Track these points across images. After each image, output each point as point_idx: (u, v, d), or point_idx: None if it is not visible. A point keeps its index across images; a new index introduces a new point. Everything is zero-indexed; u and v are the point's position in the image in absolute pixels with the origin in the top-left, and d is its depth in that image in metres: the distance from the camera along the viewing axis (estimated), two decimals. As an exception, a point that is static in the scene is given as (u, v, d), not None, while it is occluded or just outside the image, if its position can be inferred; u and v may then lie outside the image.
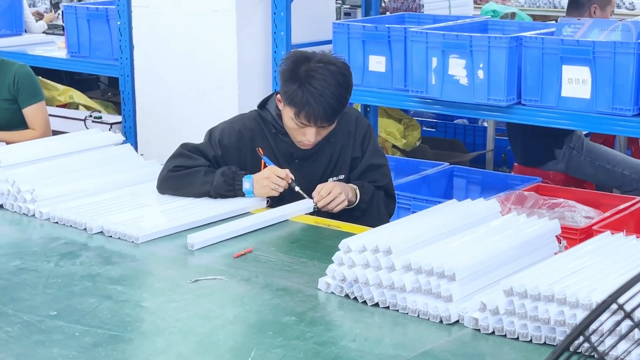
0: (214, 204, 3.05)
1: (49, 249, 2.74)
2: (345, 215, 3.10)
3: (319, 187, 3.07)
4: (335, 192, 3.05)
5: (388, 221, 3.12)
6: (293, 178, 3.09)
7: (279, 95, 3.10)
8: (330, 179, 3.17)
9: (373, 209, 3.18)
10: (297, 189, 3.08)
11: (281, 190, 3.07)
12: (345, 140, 3.20)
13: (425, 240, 2.40)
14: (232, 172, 3.09)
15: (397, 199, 4.32)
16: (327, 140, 3.15)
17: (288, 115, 3.04)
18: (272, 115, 3.15)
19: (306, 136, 3.05)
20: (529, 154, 5.02)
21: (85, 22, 5.70)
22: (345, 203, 3.08)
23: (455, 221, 2.56)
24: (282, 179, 3.06)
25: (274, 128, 3.15)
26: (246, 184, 3.07)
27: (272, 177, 3.06)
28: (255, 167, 3.14)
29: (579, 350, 1.19)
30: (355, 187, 3.15)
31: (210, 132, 3.20)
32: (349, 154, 3.21)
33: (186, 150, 3.17)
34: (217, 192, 3.08)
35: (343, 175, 3.20)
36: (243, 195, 3.08)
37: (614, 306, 1.14)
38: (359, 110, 5.17)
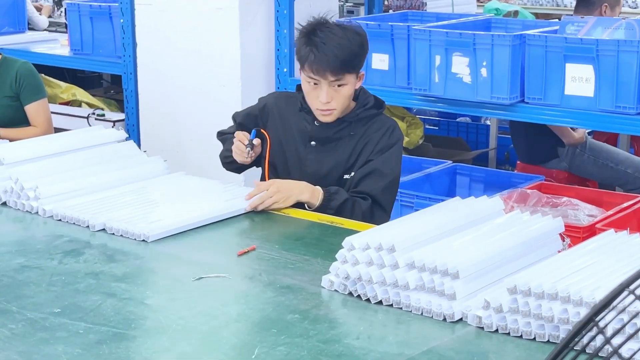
0: (222, 202, 3.05)
1: (52, 246, 2.74)
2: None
3: (257, 184, 3.08)
4: (268, 194, 3.02)
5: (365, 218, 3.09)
6: (249, 139, 3.15)
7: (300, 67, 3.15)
8: (346, 176, 3.14)
9: (344, 214, 3.05)
10: (247, 149, 3.15)
11: (245, 155, 3.15)
12: (369, 143, 3.15)
13: (428, 238, 2.40)
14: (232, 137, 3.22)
15: (400, 197, 4.34)
16: (347, 132, 3.14)
17: (303, 79, 3.10)
18: (302, 94, 3.19)
19: (320, 96, 3.04)
20: (532, 152, 5.02)
21: (88, 19, 5.70)
22: (276, 206, 3.02)
23: (459, 219, 2.56)
24: (239, 141, 3.16)
25: (300, 105, 3.19)
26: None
27: (235, 142, 3.18)
28: (288, 131, 3.22)
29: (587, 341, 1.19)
30: (322, 192, 3.06)
31: (260, 100, 3.38)
32: (366, 156, 3.14)
33: (233, 117, 3.40)
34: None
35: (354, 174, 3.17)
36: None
37: (626, 293, 1.14)
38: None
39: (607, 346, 1.17)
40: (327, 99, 3.05)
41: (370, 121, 3.17)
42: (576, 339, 1.16)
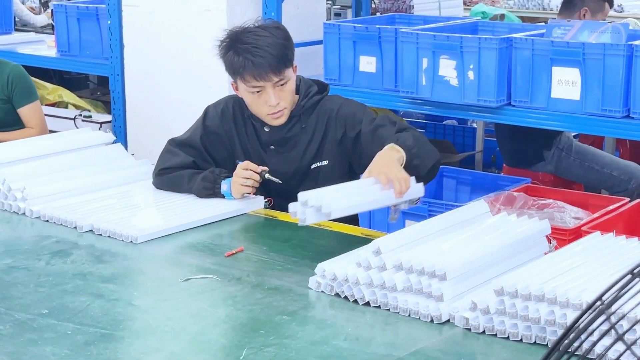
0: (211, 204, 3.05)
1: (40, 247, 2.74)
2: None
3: (377, 177, 2.70)
4: (391, 173, 2.68)
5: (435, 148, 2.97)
6: (261, 168, 3.04)
7: (232, 82, 3.11)
8: (314, 164, 3.11)
9: (423, 149, 2.87)
10: (267, 176, 3.03)
11: (252, 183, 3.02)
12: (327, 125, 3.11)
13: (415, 240, 2.41)
14: (214, 175, 3.08)
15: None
16: (299, 126, 3.11)
17: (243, 91, 3.04)
18: (239, 103, 3.17)
19: (268, 101, 3.00)
20: (518, 156, 5.03)
21: (75, 21, 5.69)
22: (405, 175, 2.71)
23: (445, 221, 2.57)
24: (247, 170, 3.02)
25: (247, 111, 3.15)
26: (224, 187, 3.06)
27: (239, 173, 3.04)
28: (242, 143, 3.15)
29: (569, 350, 1.20)
30: (392, 144, 2.82)
31: (204, 113, 3.24)
32: (332, 137, 3.10)
33: (172, 147, 3.22)
34: (199, 196, 3.09)
35: (327, 161, 3.12)
36: (224, 197, 3.07)
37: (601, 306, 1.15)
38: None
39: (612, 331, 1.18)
40: (276, 100, 3.01)
41: (317, 106, 3.14)
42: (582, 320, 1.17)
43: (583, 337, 1.19)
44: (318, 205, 2.52)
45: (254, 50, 2.95)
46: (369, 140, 3.01)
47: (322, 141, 3.12)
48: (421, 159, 2.86)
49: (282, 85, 3.01)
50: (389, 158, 2.76)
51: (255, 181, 3.03)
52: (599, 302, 1.18)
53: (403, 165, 2.78)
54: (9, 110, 4.59)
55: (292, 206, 2.57)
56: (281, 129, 3.12)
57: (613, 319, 1.19)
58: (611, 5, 5.22)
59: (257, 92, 3.01)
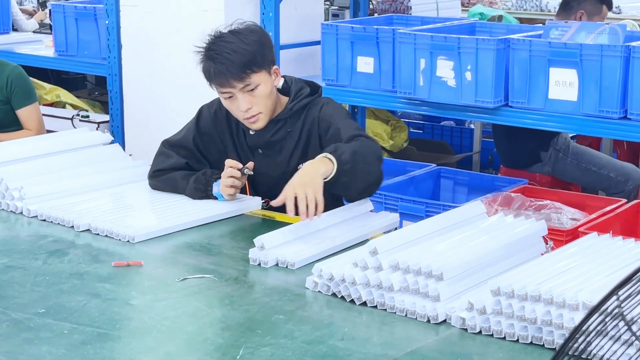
0: (208, 204, 3.05)
1: (37, 246, 2.74)
2: (329, 188, 2.77)
3: (284, 197, 2.69)
4: (301, 198, 2.66)
5: (380, 168, 2.89)
6: (243, 165, 3.03)
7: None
8: (301, 166, 2.96)
9: (359, 166, 2.79)
10: (245, 171, 3.03)
11: (237, 183, 3.03)
12: (312, 126, 3.10)
13: (411, 240, 2.41)
14: (206, 177, 3.09)
15: (385, 200, 4.35)
16: (285, 130, 3.10)
17: (220, 96, 3.05)
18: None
19: (239, 107, 2.99)
20: (514, 157, 5.04)
21: (73, 20, 5.68)
22: (314, 197, 2.67)
23: (442, 222, 2.58)
24: (232, 168, 3.02)
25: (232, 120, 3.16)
26: (215, 188, 3.07)
27: (224, 173, 3.04)
28: (234, 145, 3.15)
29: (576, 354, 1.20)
30: (325, 154, 2.78)
31: (198, 113, 3.24)
32: (315, 141, 3.09)
33: (166, 148, 3.23)
34: (192, 198, 3.09)
35: None
36: (216, 199, 3.08)
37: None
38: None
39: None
40: (247, 105, 2.99)
41: (305, 109, 3.12)
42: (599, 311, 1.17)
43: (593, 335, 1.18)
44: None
45: (216, 57, 2.95)
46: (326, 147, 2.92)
47: (307, 145, 3.11)
48: (352, 177, 2.77)
49: (251, 90, 2.98)
50: (310, 172, 2.72)
51: (237, 179, 3.03)
52: (614, 298, 1.17)
53: (329, 178, 2.73)
54: (8, 111, 4.59)
55: (252, 252, 2.59)
56: (265, 133, 3.10)
57: (628, 317, 1.19)
58: (610, 7, 5.22)
59: (229, 97, 3.01)
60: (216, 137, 3.18)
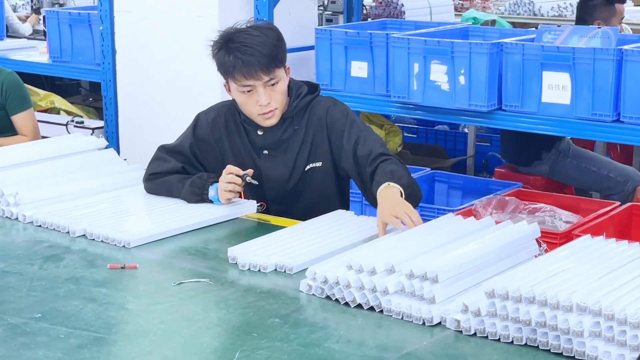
0: (203, 208, 3.05)
1: (32, 252, 2.74)
2: None
3: (381, 229, 2.72)
4: (400, 213, 2.69)
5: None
6: (244, 172, 3.03)
7: (224, 83, 3.10)
8: (309, 166, 3.11)
9: (413, 184, 2.92)
10: (247, 179, 3.02)
11: (232, 187, 3.02)
12: (317, 127, 3.12)
13: (406, 244, 2.42)
14: (202, 181, 3.09)
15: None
16: (292, 128, 3.12)
17: (234, 91, 3.04)
18: (233, 108, 3.17)
19: (259, 101, 3.00)
20: (518, 153, 5.05)
21: (67, 27, 5.69)
22: (410, 209, 2.72)
23: (435, 227, 2.59)
24: (230, 174, 3.02)
25: (240, 117, 3.15)
26: (211, 192, 3.07)
27: (223, 178, 3.04)
28: (234, 150, 3.15)
29: None
30: (388, 183, 2.83)
31: (195, 121, 3.24)
32: (322, 139, 3.12)
33: (163, 153, 3.23)
34: (188, 201, 3.10)
35: (321, 163, 3.12)
36: (212, 202, 3.08)
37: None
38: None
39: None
40: (267, 100, 3.00)
41: (309, 107, 3.14)
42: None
43: None
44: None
45: (244, 48, 2.95)
46: (350, 160, 3.04)
47: (314, 142, 3.13)
48: (413, 199, 2.86)
49: (272, 84, 3.01)
50: (389, 196, 2.77)
51: (237, 185, 3.03)
52: None
53: (403, 197, 2.80)
54: (3, 117, 4.60)
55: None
56: (275, 132, 3.12)
57: None
58: (622, 1, 5.19)
59: (248, 91, 3.01)
60: (213, 144, 3.18)
